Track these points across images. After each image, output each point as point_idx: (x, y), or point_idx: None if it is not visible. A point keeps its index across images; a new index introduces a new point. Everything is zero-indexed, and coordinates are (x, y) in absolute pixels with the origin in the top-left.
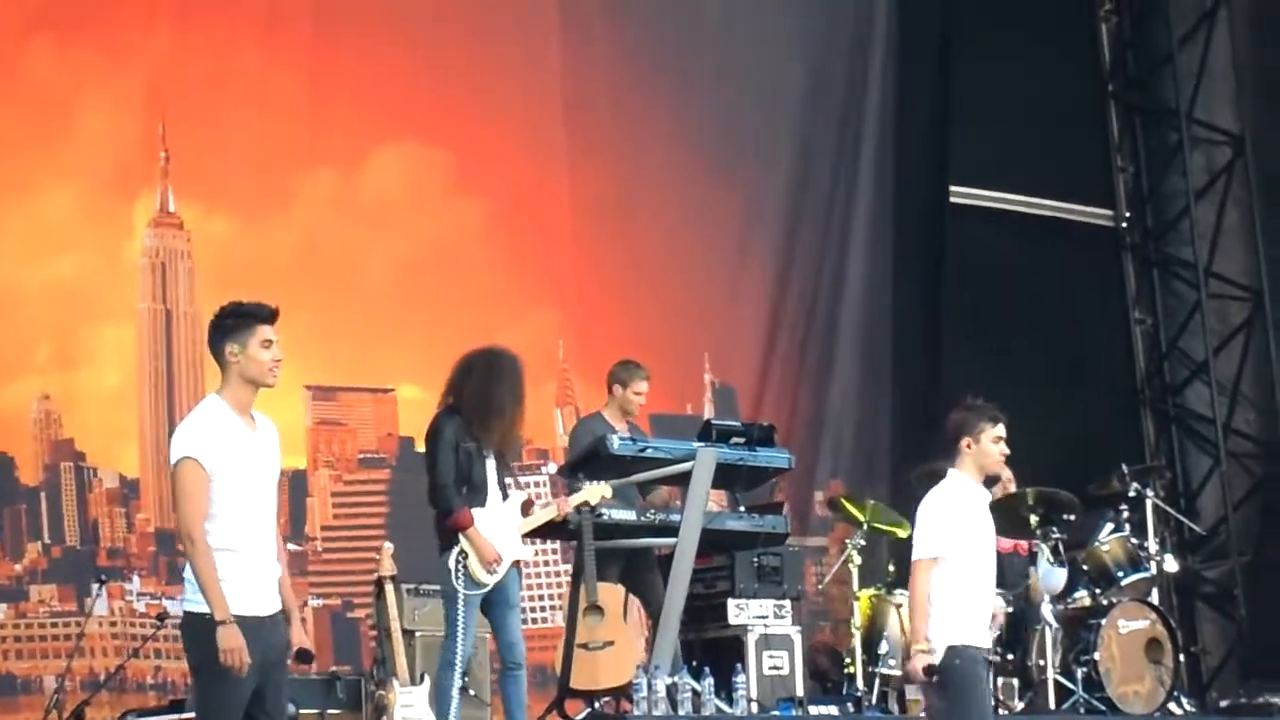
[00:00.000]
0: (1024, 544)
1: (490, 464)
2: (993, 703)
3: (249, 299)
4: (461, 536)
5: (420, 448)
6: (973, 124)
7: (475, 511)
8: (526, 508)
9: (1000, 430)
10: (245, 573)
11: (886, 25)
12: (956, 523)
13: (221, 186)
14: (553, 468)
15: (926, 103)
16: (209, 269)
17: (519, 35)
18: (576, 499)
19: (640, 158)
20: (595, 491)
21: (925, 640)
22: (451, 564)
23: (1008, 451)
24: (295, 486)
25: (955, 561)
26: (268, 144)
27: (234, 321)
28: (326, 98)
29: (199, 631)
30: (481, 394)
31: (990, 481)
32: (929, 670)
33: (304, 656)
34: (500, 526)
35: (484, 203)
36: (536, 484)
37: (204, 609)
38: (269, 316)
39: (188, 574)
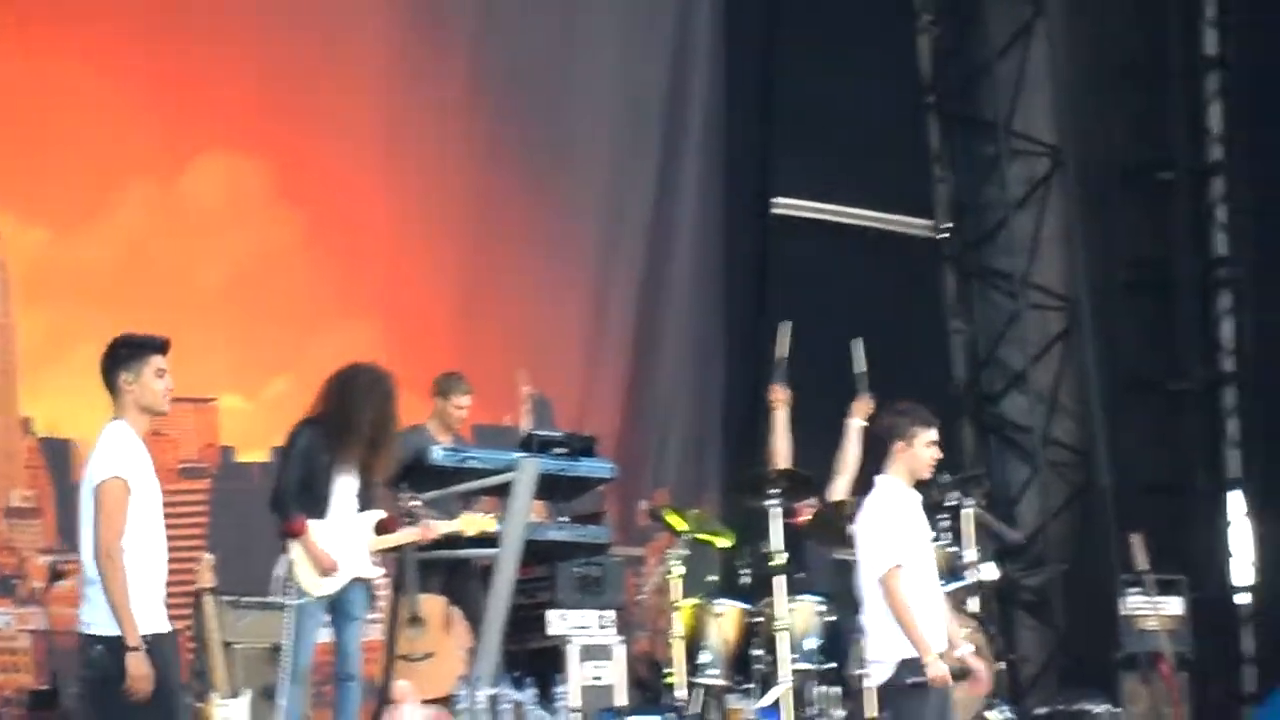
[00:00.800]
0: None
1: (344, 480)
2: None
3: (64, 310)
4: (293, 545)
5: (240, 458)
6: (795, 134)
7: (315, 523)
8: (383, 527)
9: (933, 434)
10: (154, 589)
11: (709, 34)
12: (903, 528)
13: (37, 196)
14: None
15: (749, 112)
16: (24, 279)
17: (340, 45)
18: (446, 527)
19: (459, 168)
20: (473, 523)
21: (927, 649)
22: (278, 572)
23: (940, 455)
24: None
25: (907, 569)
26: (87, 153)
27: (127, 351)
28: (147, 106)
29: (110, 654)
30: (340, 411)
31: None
32: (956, 674)
33: None
34: (344, 541)
35: (305, 213)
36: None
37: (114, 632)
38: (161, 346)
39: (93, 594)
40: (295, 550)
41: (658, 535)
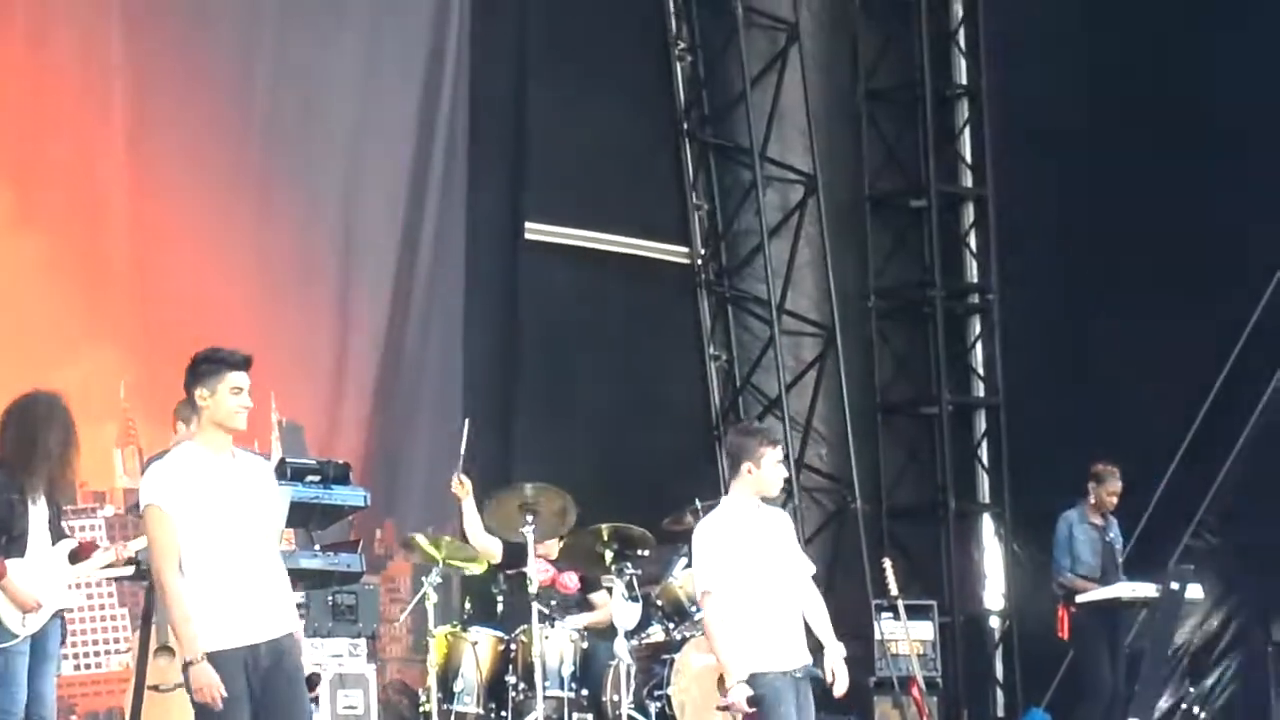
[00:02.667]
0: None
1: (37, 511)
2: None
3: None
4: None
5: None
6: (548, 160)
7: (15, 562)
8: (77, 554)
9: (779, 454)
10: (232, 603)
11: (457, 58)
12: (729, 550)
13: None
14: (109, 510)
15: (500, 137)
16: None
17: (79, 62)
18: (136, 545)
19: (203, 192)
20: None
21: (730, 671)
22: None
23: (786, 473)
24: None
25: (737, 588)
26: None
27: (205, 367)
28: None
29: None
30: (22, 441)
31: None
32: (751, 701)
33: (310, 681)
34: (44, 574)
35: (44, 239)
36: (93, 527)
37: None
38: (240, 364)
39: None
40: None
41: (389, 563)
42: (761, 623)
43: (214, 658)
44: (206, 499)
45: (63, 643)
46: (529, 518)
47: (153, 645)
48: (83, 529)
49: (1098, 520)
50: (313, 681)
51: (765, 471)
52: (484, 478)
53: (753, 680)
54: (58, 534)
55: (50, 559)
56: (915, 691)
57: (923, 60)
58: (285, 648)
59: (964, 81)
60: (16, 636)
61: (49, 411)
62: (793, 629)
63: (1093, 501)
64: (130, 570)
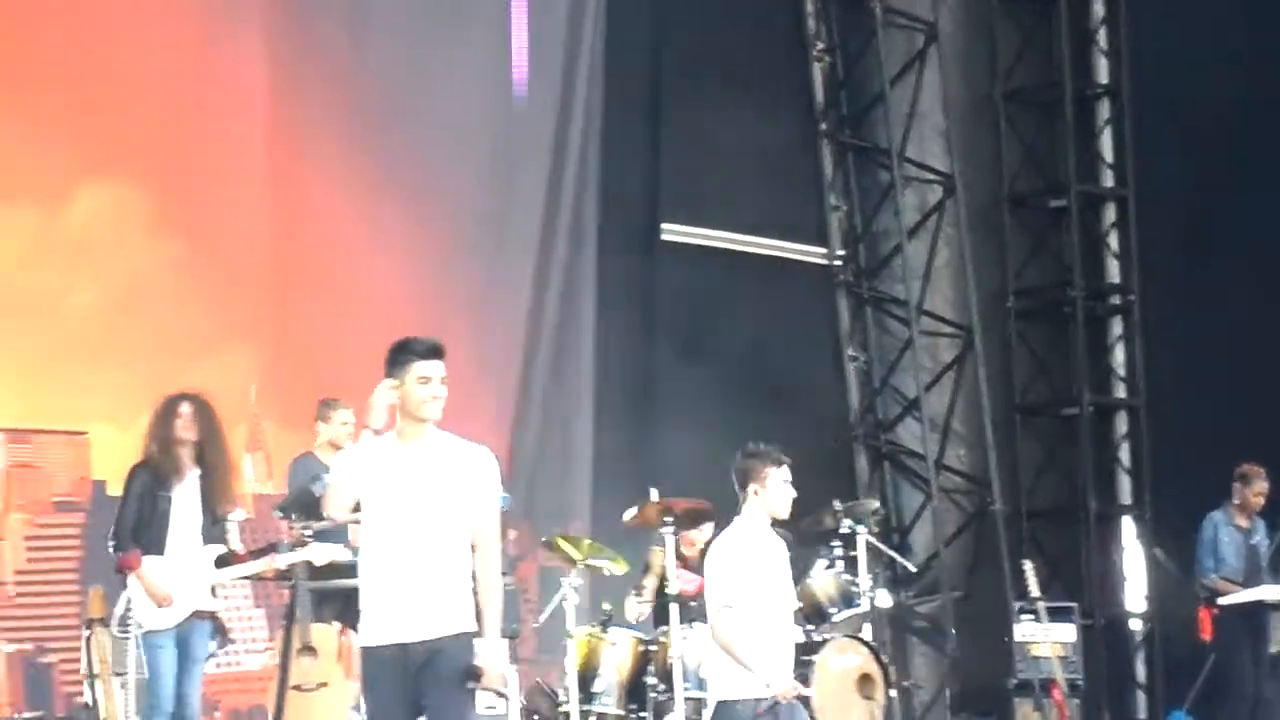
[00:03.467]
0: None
1: (184, 512)
2: None
3: None
4: (130, 580)
5: (113, 491)
6: (687, 161)
7: (152, 558)
8: (223, 561)
9: (786, 473)
10: (387, 600)
11: (592, 59)
12: (745, 570)
13: None
14: (240, 514)
15: (636, 138)
16: None
17: (223, 73)
18: (286, 559)
19: (340, 197)
20: (322, 552)
21: (762, 674)
22: (118, 609)
23: (794, 493)
24: None
25: (747, 609)
26: None
27: (394, 356)
28: (26, 135)
29: None
30: (164, 442)
31: None
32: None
33: (471, 673)
34: (183, 573)
35: (183, 243)
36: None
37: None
38: (427, 352)
39: None
40: (132, 585)
41: (519, 564)
42: (768, 644)
43: (365, 654)
44: (381, 488)
45: (222, 646)
46: (667, 520)
47: (295, 645)
48: None
49: (1243, 522)
50: (473, 673)
51: (771, 492)
52: (619, 479)
53: (725, 704)
54: (211, 538)
55: (194, 560)
56: (1056, 694)
57: (1064, 59)
58: (442, 648)
59: (1105, 80)
60: (150, 629)
61: (207, 413)
62: (790, 652)
63: (1238, 503)
64: (271, 572)
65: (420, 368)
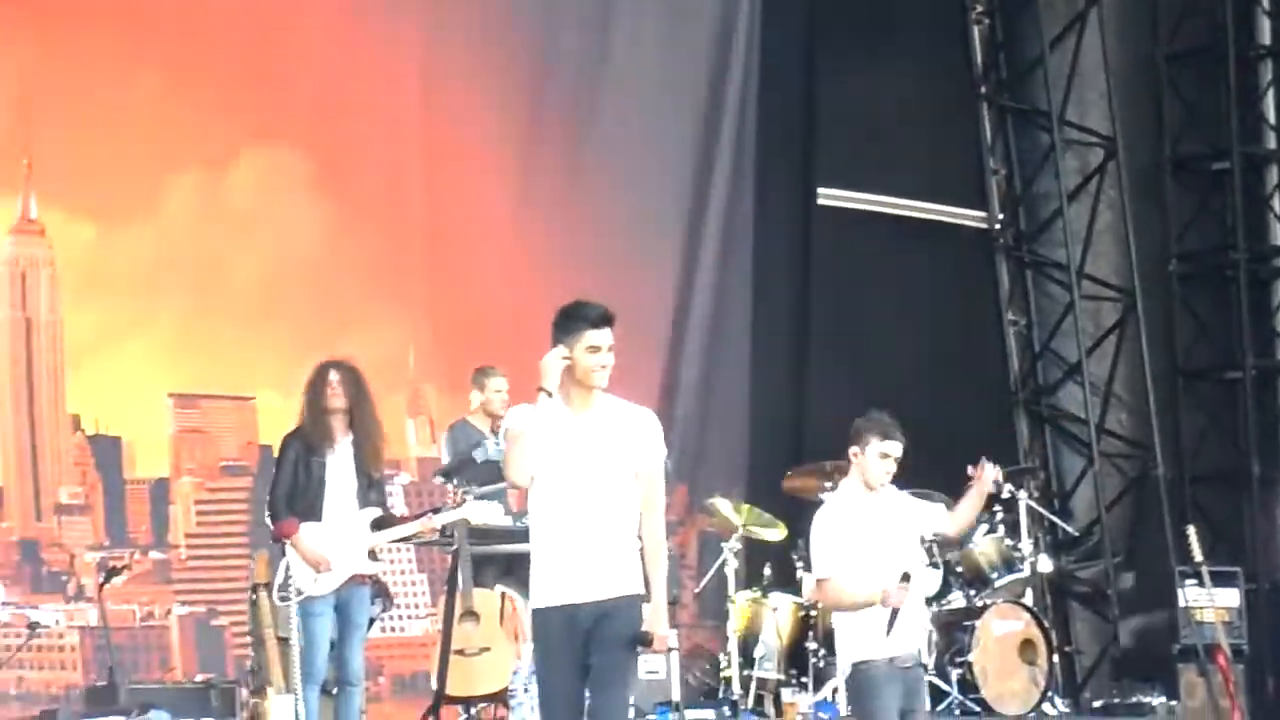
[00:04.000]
0: None
1: (339, 477)
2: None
3: (111, 306)
4: (287, 547)
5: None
6: (844, 126)
7: (310, 525)
8: (380, 524)
9: (886, 446)
10: (560, 563)
11: (748, 24)
12: (841, 538)
13: (84, 192)
14: (405, 478)
15: (792, 102)
16: (71, 276)
17: (379, 38)
18: (442, 519)
19: (495, 161)
20: (477, 511)
21: (867, 596)
22: (279, 577)
23: (892, 469)
24: (157, 495)
25: (852, 574)
26: (130, 149)
27: (564, 323)
28: (189, 101)
29: None
30: (315, 409)
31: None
32: (855, 680)
33: (641, 639)
34: (339, 539)
35: (342, 209)
36: (389, 494)
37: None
38: (599, 320)
39: None
40: (289, 552)
41: (678, 530)
42: (870, 610)
43: (536, 616)
44: (554, 453)
45: (385, 610)
46: (827, 485)
47: (458, 610)
48: None
49: None
50: (643, 638)
51: (868, 458)
52: (777, 446)
53: (856, 668)
54: (367, 502)
55: (351, 525)
56: (1221, 659)
57: (1226, 20)
58: (611, 610)
59: (1268, 41)
60: (313, 595)
61: (355, 380)
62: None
63: None
64: (435, 535)
65: (591, 336)
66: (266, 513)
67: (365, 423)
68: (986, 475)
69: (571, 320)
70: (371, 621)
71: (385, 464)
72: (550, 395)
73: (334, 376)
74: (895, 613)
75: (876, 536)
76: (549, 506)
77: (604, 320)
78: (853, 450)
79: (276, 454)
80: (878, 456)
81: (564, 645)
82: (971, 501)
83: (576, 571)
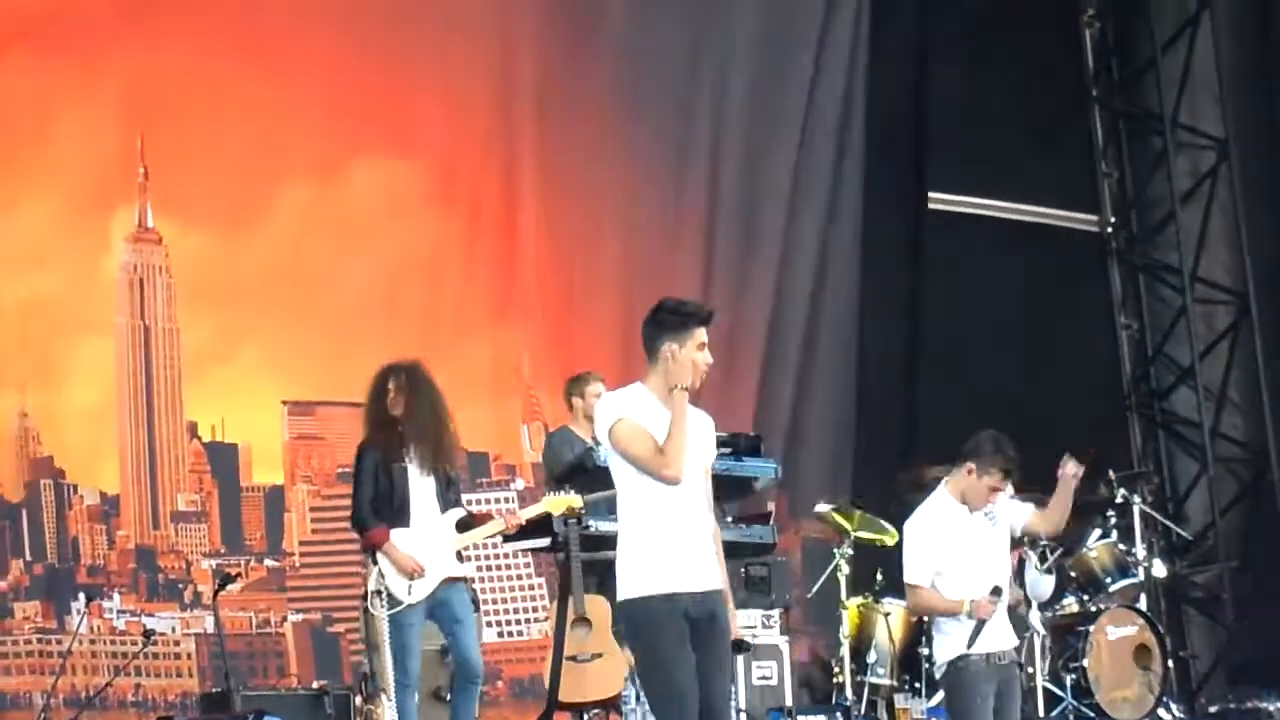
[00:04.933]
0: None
1: (422, 481)
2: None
3: (226, 314)
4: (379, 555)
5: None
6: (956, 129)
7: (399, 531)
8: (465, 524)
9: (999, 481)
10: (663, 552)
11: (856, 28)
12: (933, 546)
13: (199, 201)
14: (520, 484)
15: (903, 105)
16: (187, 284)
17: (490, 49)
18: (529, 513)
19: (607, 174)
20: (558, 503)
21: (954, 604)
22: (370, 586)
23: (994, 502)
24: (272, 502)
25: (942, 583)
26: (244, 158)
27: (674, 320)
28: (302, 111)
29: None
30: (378, 421)
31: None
32: (950, 681)
33: (739, 646)
34: (429, 542)
35: (454, 217)
36: (506, 499)
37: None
38: (708, 317)
39: None
40: (381, 561)
41: (782, 535)
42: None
43: (635, 604)
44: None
45: (476, 610)
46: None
47: (570, 616)
48: (495, 501)
49: None
50: (742, 646)
51: (979, 482)
52: (884, 449)
53: (953, 665)
54: (447, 503)
55: (437, 527)
56: None
57: None
58: (707, 602)
59: None
60: (402, 604)
61: (411, 381)
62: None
63: None
64: (546, 541)
65: (701, 334)
66: (351, 525)
67: (421, 422)
68: (1067, 471)
69: (683, 317)
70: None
71: (503, 469)
72: (685, 392)
73: (392, 384)
74: (981, 624)
75: (969, 547)
76: (654, 500)
77: (711, 318)
78: (969, 466)
79: (354, 465)
80: (988, 489)
81: (674, 628)
82: (1060, 499)
83: (681, 562)
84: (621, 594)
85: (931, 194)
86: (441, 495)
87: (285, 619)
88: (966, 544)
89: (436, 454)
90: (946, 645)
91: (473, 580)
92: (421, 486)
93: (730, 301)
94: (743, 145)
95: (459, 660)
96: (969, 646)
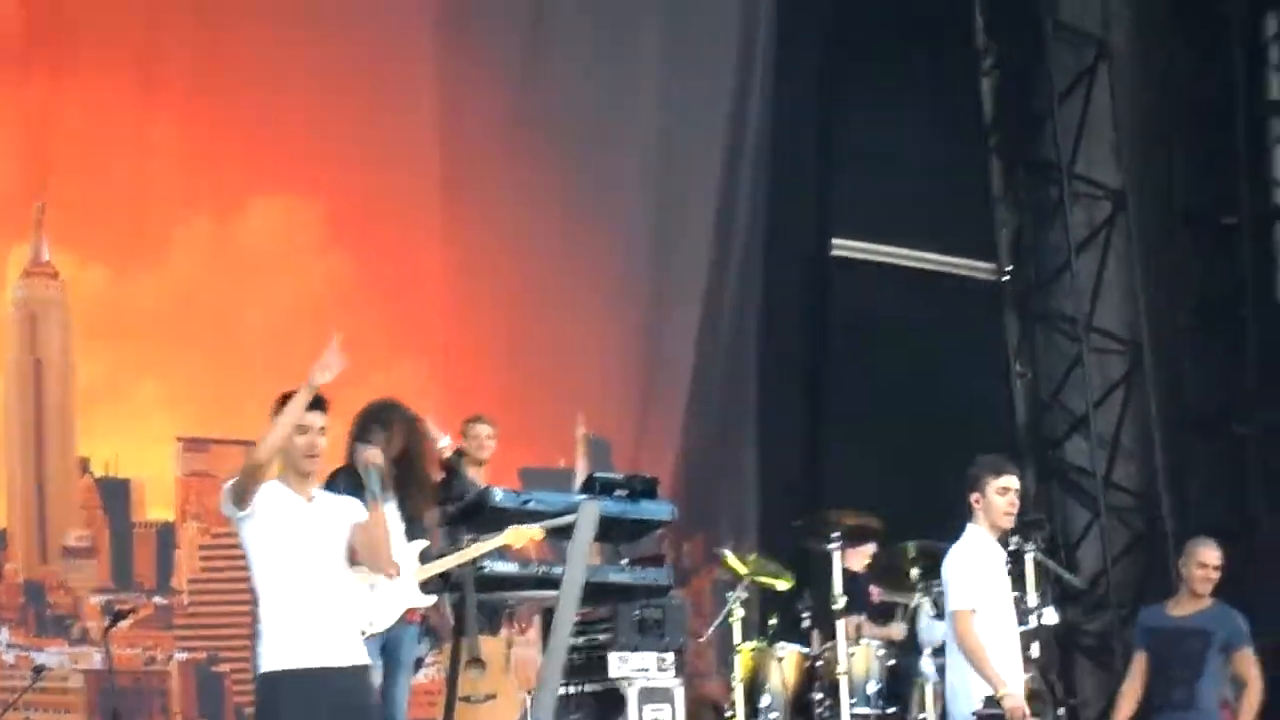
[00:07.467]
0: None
1: (396, 517)
2: None
3: (122, 349)
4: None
5: None
6: (855, 176)
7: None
8: (428, 555)
9: (1005, 481)
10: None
11: (762, 76)
12: (984, 576)
13: (97, 236)
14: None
15: (807, 153)
16: (83, 319)
17: (394, 87)
18: (491, 544)
19: (513, 211)
20: (519, 535)
21: (1001, 683)
22: None
23: (1016, 503)
24: (163, 539)
25: (983, 615)
26: (144, 194)
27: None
28: (203, 148)
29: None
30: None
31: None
32: (1024, 710)
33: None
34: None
35: (357, 255)
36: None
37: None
38: (317, 403)
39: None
40: None
41: (692, 578)
42: (1000, 651)
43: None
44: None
45: (434, 648)
46: (833, 535)
47: (464, 657)
48: None
49: None
50: None
51: (990, 499)
52: (788, 495)
53: (989, 701)
54: (415, 535)
55: (402, 558)
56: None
57: (1236, 75)
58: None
59: (1277, 97)
60: (364, 633)
61: (384, 416)
62: (1017, 663)
63: None
64: (441, 583)
65: (315, 418)
66: None
67: (419, 470)
68: None
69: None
70: (419, 663)
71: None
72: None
73: (397, 423)
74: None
75: (1002, 583)
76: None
77: (320, 403)
78: (974, 497)
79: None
80: (997, 493)
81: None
82: None
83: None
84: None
85: (834, 240)
86: (409, 529)
87: (171, 657)
88: (1000, 578)
89: (425, 504)
90: (973, 693)
91: (425, 611)
92: (395, 522)
93: (650, 347)
94: (658, 186)
95: (387, 701)
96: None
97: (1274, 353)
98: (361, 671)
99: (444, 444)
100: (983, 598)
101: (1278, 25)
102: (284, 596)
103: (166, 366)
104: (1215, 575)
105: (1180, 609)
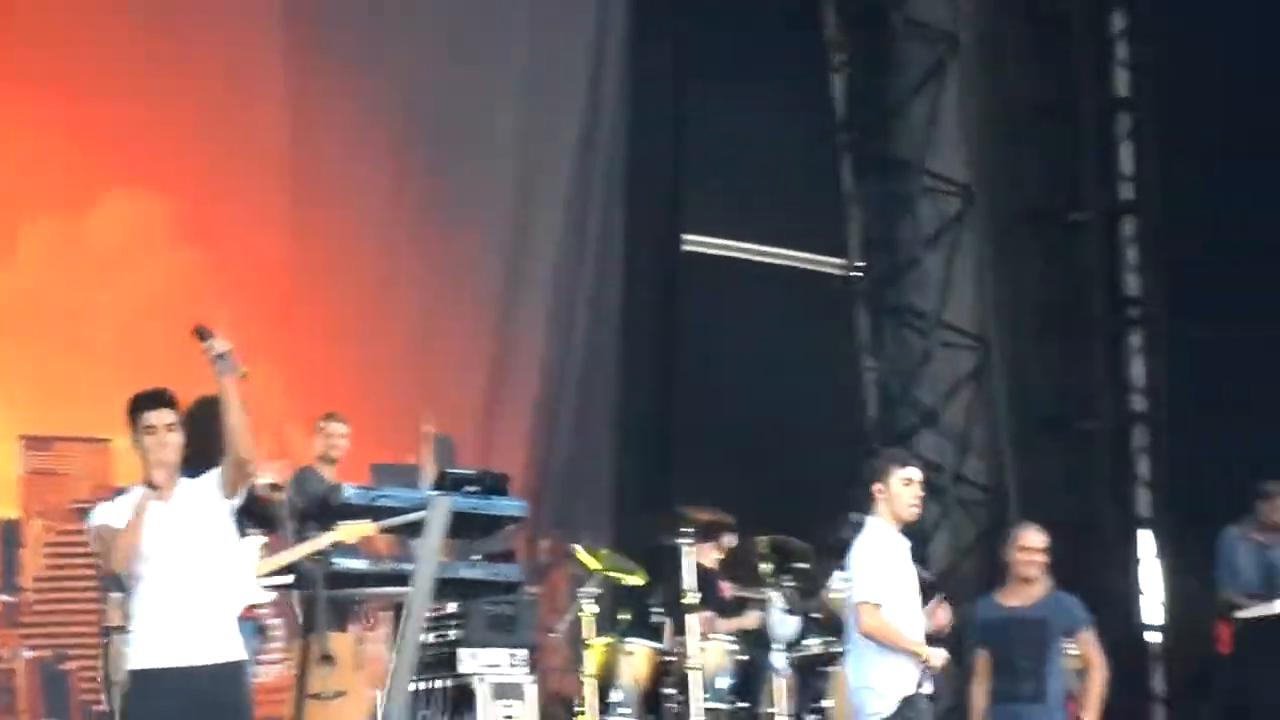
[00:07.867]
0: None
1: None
2: None
3: None
4: None
5: None
6: (707, 172)
7: None
8: (265, 550)
9: (909, 473)
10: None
11: (616, 71)
12: (885, 566)
13: None
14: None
15: (658, 149)
16: None
17: (243, 84)
18: (325, 540)
19: (360, 209)
20: (351, 530)
21: (922, 648)
22: None
23: (920, 494)
24: (8, 537)
25: (888, 607)
26: None
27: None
28: (50, 145)
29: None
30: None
31: None
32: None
33: None
34: None
35: (204, 253)
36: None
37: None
38: (161, 400)
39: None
40: None
41: (551, 573)
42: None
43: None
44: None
45: (265, 643)
46: (685, 531)
47: (313, 654)
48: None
49: (1261, 537)
50: None
51: (894, 489)
52: (641, 490)
53: (910, 700)
54: (243, 530)
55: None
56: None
57: (1083, 71)
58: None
59: (1124, 93)
60: None
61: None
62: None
63: (1260, 519)
64: (290, 578)
65: (149, 417)
66: None
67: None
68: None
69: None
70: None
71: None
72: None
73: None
74: (925, 671)
75: (906, 573)
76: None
77: (157, 401)
78: (877, 487)
79: None
80: (902, 483)
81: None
82: None
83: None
84: None
85: (686, 236)
86: (239, 522)
87: (17, 655)
88: (904, 569)
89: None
90: (894, 683)
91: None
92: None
93: (498, 345)
94: (511, 183)
95: None
96: (918, 687)
97: (1120, 349)
98: (231, 668)
99: (265, 481)
100: (886, 590)
101: (1124, 22)
102: (145, 596)
103: (9, 364)
104: (1039, 559)
105: (1014, 598)
